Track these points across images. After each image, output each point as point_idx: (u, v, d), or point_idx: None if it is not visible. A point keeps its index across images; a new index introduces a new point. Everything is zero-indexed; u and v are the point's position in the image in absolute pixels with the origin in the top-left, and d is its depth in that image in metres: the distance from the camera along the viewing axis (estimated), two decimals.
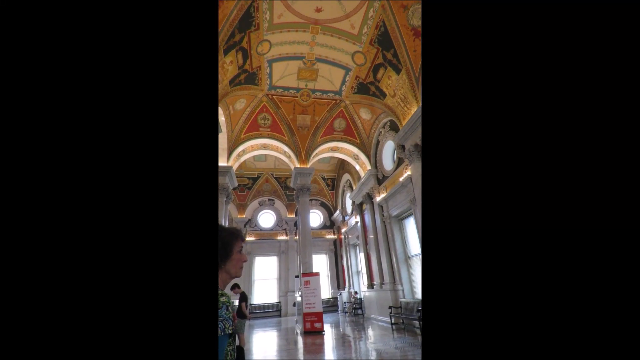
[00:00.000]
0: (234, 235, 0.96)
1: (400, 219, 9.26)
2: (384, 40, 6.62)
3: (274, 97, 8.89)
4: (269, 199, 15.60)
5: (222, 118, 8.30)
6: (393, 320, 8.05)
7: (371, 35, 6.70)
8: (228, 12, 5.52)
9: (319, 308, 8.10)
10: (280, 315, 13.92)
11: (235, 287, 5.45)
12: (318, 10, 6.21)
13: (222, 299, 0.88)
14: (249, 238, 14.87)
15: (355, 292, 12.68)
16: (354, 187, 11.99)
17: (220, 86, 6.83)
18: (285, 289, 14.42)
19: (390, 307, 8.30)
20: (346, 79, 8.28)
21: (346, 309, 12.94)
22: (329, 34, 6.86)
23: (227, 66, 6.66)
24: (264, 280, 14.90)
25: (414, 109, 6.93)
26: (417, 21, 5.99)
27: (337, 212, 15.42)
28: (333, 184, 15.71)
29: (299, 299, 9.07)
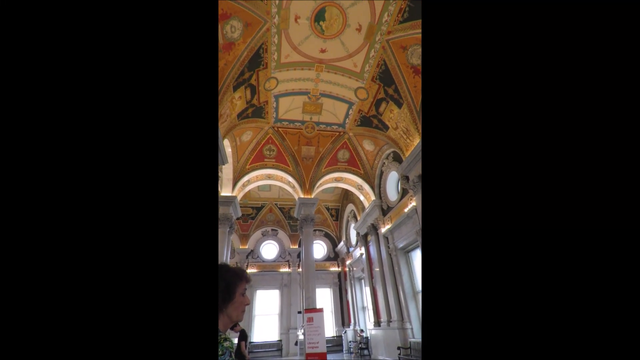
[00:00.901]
0: (238, 276, 0.93)
1: (407, 251, 9.00)
2: (385, 77, 6.95)
3: (280, 129, 9.17)
4: (272, 229, 15.40)
5: (228, 149, 8.51)
6: None
7: (373, 73, 7.06)
8: (239, 53, 5.91)
9: (322, 348, 7.59)
10: (281, 355, 13.03)
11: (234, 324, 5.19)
12: (322, 50, 6.62)
13: (226, 344, 0.83)
14: (250, 270, 14.45)
15: (361, 331, 11.95)
16: (359, 218, 11.84)
17: (228, 119, 7.10)
18: (287, 325, 13.66)
19: (399, 348, 7.77)
20: (349, 113, 8.57)
21: (351, 349, 12.10)
22: (332, 72, 7.24)
23: (236, 101, 6.98)
24: (265, 315, 14.20)
25: (417, 140, 7.06)
26: (416, 60, 6.33)
27: (342, 243, 15.08)
28: (337, 214, 15.56)
29: (301, 337, 8.55)
